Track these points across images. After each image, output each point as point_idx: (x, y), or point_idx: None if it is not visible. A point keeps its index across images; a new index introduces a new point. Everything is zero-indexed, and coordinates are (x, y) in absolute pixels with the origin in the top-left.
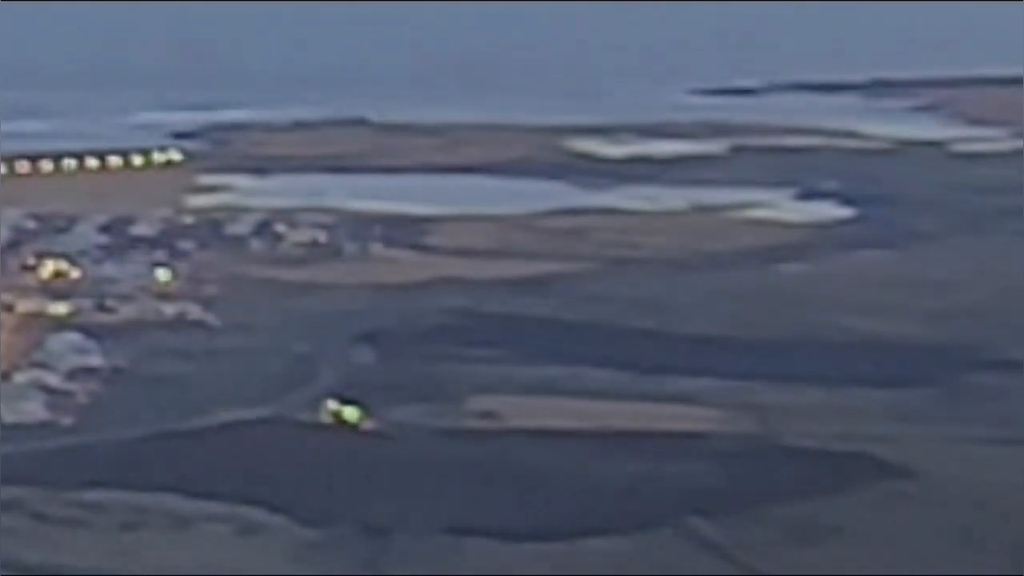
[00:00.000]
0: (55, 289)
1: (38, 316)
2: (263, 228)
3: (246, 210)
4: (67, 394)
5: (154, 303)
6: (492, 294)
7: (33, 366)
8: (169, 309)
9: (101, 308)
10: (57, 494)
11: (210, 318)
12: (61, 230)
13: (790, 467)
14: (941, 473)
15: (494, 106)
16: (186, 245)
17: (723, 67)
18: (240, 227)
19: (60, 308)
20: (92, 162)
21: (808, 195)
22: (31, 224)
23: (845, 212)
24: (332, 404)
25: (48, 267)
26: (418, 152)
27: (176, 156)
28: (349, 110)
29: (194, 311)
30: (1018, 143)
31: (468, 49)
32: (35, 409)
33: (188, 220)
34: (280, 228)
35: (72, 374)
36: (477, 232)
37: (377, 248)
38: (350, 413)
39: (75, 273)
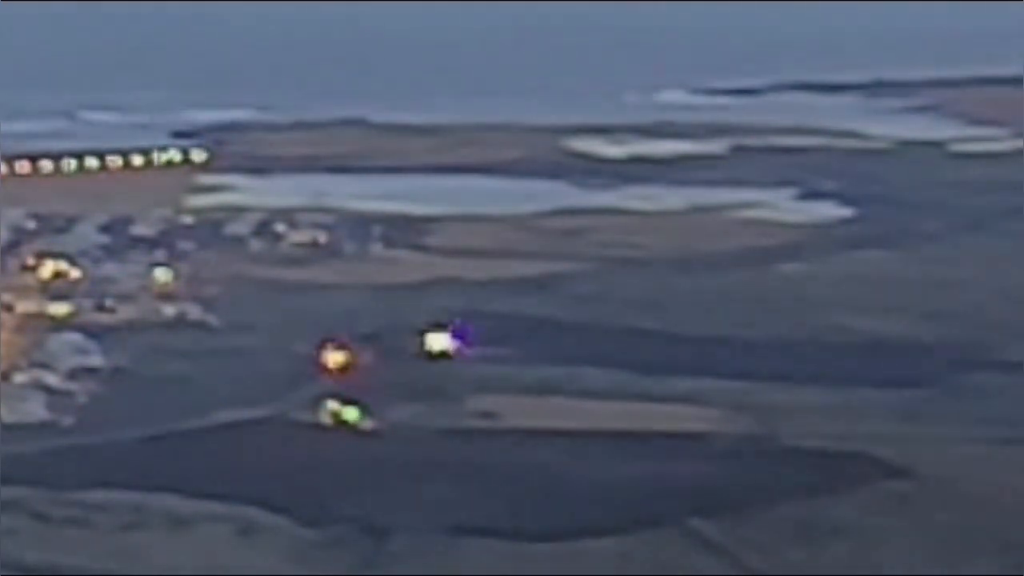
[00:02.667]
0: (55, 289)
1: (38, 316)
2: (263, 228)
3: (246, 210)
4: (67, 394)
5: (154, 303)
6: (492, 294)
7: (33, 366)
8: (169, 309)
9: (101, 308)
10: (57, 494)
11: (210, 318)
12: (61, 230)
13: (790, 467)
14: (941, 473)
15: (494, 106)
16: (186, 245)
17: (723, 67)
18: (240, 227)
19: (60, 308)
20: (92, 162)
21: (808, 195)
22: (31, 224)
23: (845, 212)
24: (332, 404)
25: (48, 267)
26: (418, 152)
27: (176, 156)
28: (349, 110)
29: (194, 311)
30: (1018, 143)
31: (468, 49)
32: (35, 409)
33: (188, 220)
34: (280, 228)
35: (72, 374)
36: (477, 232)
37: (377, 248)
38: (350, 413)
39: (75, 273)
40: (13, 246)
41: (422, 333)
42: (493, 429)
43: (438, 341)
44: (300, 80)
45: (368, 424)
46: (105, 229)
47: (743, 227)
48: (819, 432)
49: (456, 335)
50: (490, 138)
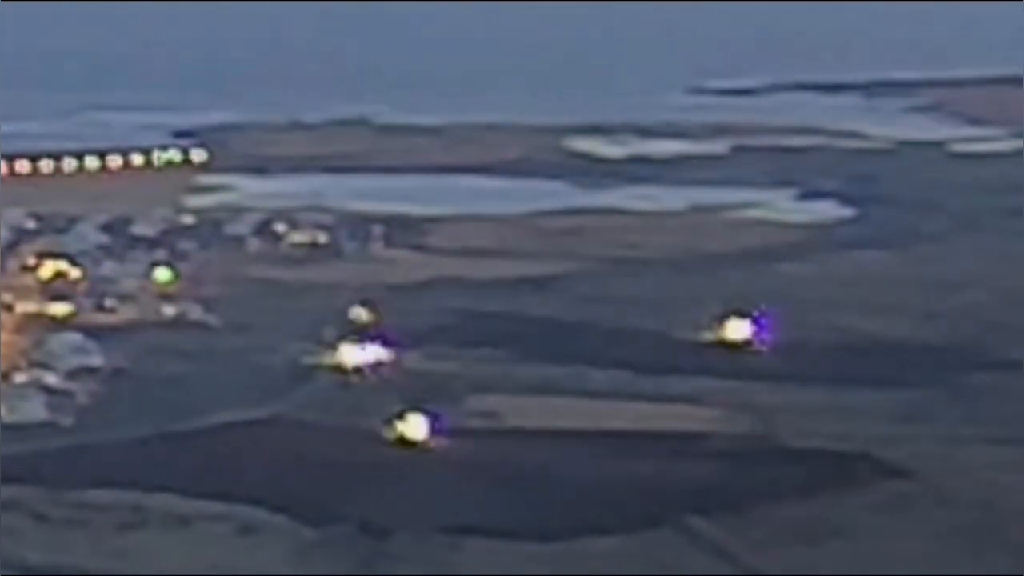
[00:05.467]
0: (55, 289)
1: (38, 316)
2: (263, 228)
3: (246, 210)
4: (67, 394)
5: (154, 303)
6: (492, 294)
7: (33, 366)
8: (169, 309)
9: (101, 308)
10: (57, 494)
11: (210, 318)
12: (61, 230)
13: (790, 467)
14: (941, 473)
15: (494, 106)
16: (186, 245)
17: (723, 67)
18: (240, 227)
19: (60, 308)
20: (92, 162)
21: (808, 195)
22: (31, 224)
23: (845, 212)
24: (396, 421)
25: (48, 267)
26: (418, 152)
27: (176, 156)
28: (349, 110)
29: (194, 311)
30: (1018, 143)
31: (468, 49)
32: (35, 409)
33: (188, 220)
34: (280, 228)
35: (72, 374)
36: (477, 232)
37: (377, 248)
38: (412, 428)
39: (75, 273)
40: (13, 246)
41: (720, 320)
42: (493, 429)
43: (738, 330)
44: (300, 80)
45: (434, 442)
46: (105, 229)
47: (743, 227)
48: (819, 432)
49: (758, 323)
50: (490, 138)
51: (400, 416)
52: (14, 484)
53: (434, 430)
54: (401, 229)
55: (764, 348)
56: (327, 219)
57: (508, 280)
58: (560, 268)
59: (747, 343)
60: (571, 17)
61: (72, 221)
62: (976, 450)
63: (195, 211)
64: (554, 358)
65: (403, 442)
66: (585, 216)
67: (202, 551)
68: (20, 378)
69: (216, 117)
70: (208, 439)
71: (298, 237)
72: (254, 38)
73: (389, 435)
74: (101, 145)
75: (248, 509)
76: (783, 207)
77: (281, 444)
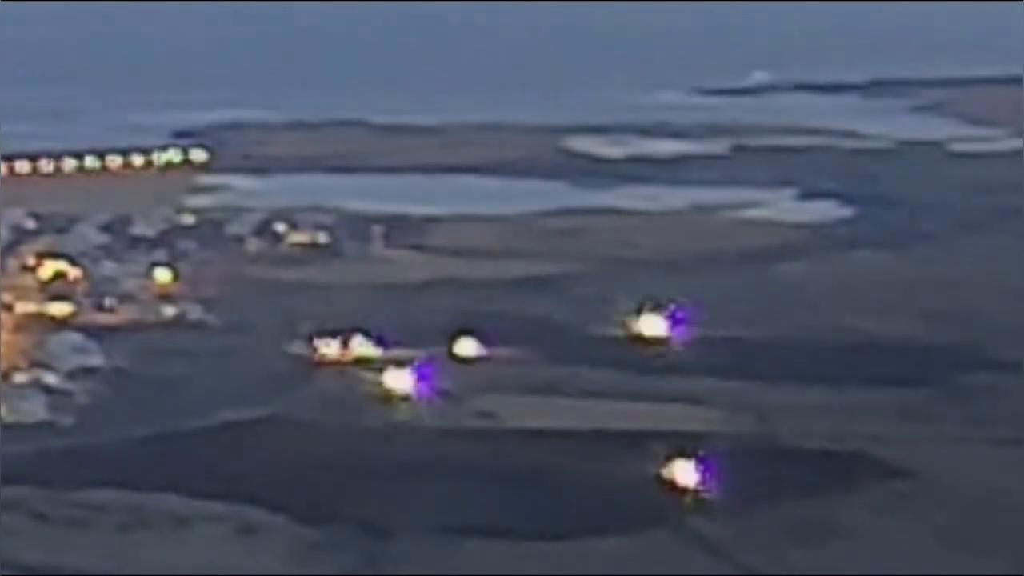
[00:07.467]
0: (55, 289)
1: (38, 316)
2: (263, 228)
3: (246, 210)
4: (67, 394)
5: (154, 303)
6: (492, 294)
7: (33, 366)
8: (169, 309)
9: (101, 308)
10: (57, 494)
11: (210, 318)
12: (61, 230)
13: (790, 467)
14: (941, 473)
15: (493, 106)
16: (186, 245)
17: (723, 67)
18: (240, 227)
19: (60, 308)
20: (92, 162)
21: (808, 195)
22: (31, 224)
23: (845, 212)
24: (662, 467)
25: (48, 267)
26: (418, 152)
27: (176, 156)
28: (349, 110)
29: (194, 311)
30: (1018, 143)
31: (468, 49)
32: (35, 409)
33: (188, 220)
34: (280, 228)
35: (72, 374)
36: (477, 232)
37: (377, 248)
38: (680, 473)
39: (75, 273)
40: (13, 246)
41: (635, 314)
42: (493, 429)
43: (650, 325)
44: (300, 80)
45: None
46: (105, 229)
47: (743, 227)
48: (819, 432)
49: (672, 319)
50: (490, 138)
51: (667, 461)
52: (14, 484)
53: (702, 473)
54: (401, 229)
55: (677, 344)
56: (327, 219)
57: (508, 280)
58: (560, 268)
59: (660, 341)
60: (570, 16)
61: (72, 221)
62: (976, 450)
63: (195, 211)
64: (554, 358)
65: (672, 487)
66: (585, 216)
67: (202, 551)
68: (20, 378)
69: (216, 117)
70: (208, 439)
71: (298, 237)
72: (255, 38)
73: (657, 480)
74: (101, 145)
75: (248, 509)
76: (783, 207)
77: (281, 444)
